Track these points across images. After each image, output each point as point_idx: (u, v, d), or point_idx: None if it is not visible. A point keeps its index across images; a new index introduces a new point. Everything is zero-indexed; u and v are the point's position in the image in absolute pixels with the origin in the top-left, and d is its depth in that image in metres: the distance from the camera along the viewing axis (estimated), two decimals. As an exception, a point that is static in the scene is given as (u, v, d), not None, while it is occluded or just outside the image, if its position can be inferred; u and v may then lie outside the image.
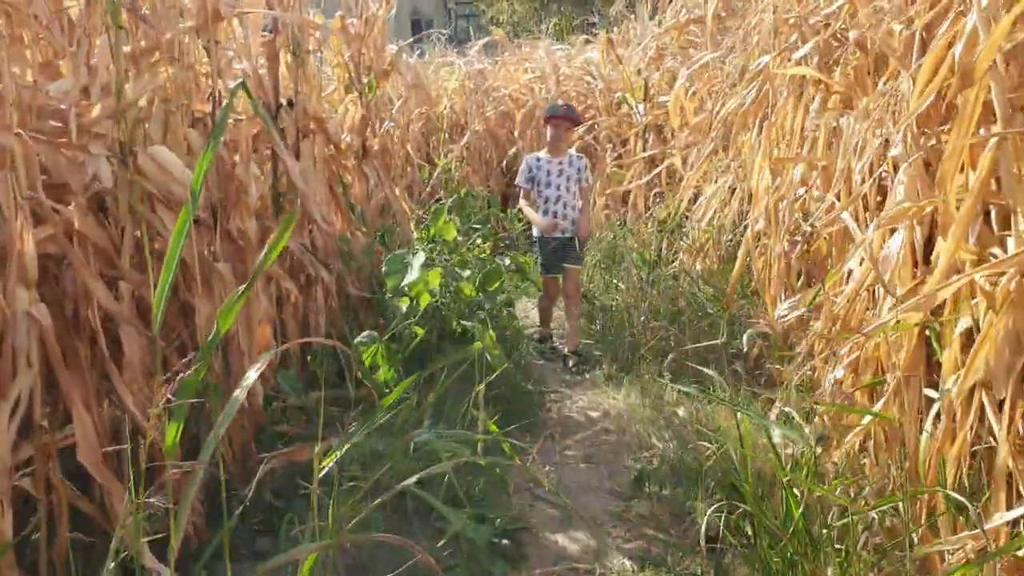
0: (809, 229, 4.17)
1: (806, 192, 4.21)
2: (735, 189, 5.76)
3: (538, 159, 5.61)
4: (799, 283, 4.43)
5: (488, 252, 4.73)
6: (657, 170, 7.36)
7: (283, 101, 4.79)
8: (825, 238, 4.13)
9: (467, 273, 3.65)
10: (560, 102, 5.89)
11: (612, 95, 8.68)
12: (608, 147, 8.51)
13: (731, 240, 5.81)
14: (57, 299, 2.64)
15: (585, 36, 10.03)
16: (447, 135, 10.43)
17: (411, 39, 11.37)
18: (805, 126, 4.71)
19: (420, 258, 3.44)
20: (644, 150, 7.73)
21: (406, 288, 3.43)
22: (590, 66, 9.13)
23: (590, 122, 8.87)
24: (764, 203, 4.65)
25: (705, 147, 6.15)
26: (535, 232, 5.57)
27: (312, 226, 4.88)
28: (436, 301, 3.53)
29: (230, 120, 4.03)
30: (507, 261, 5.02)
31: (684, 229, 6.34)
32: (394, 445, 2.87)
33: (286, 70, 5.07)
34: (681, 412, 4.57)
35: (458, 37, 13.13)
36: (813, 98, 4.23)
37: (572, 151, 5.67)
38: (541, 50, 9.82)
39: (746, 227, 5.76)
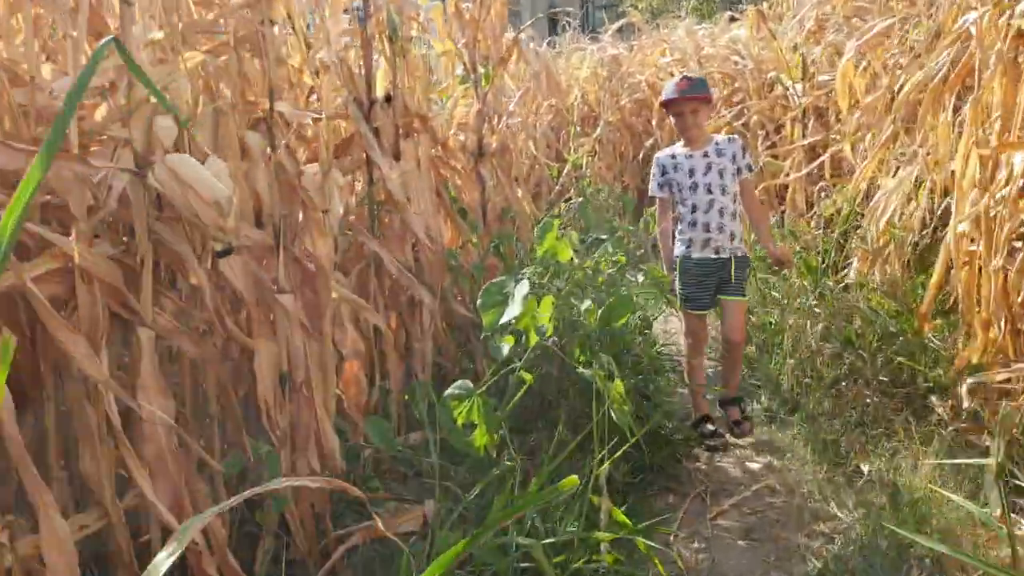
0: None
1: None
2: (922, 182, 4.71)
3: (673, 156, 4.19)
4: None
5: (618, 267, 3.92)
6: (820, 159, 6.32)
7: (377, 96, 4.14)
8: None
9: (586, 304, 2.85)
10: (678, 76, 4.22)
11: (763, 76, 7.66)
12: (760, 134, 7.49)
13: (918, 244, 4.77)
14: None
15: (730, 13, 9.01)
16: (578, 128, 9.65)
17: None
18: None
19: (524, 287, 2.69)
20: (803, 136, 6.70)
21: (509, 324, 2.69)
22: (737, 44, 8.12)
23: (739, 106, 7.87)
24: (971, 200, 3.64)
25: (882, 131, 5.11)
26: (677, 249, 4.18)
27: (416, 240, 4.23)
28: (549, 338, 2.78)
29: (307, 121, 3.41)
30: (640, 278, 4.15)
31: (858, 230, 5.32)
32: (486, 543, 2.14)
33: (385, 61, 4.44)
34: (866, 469, 3.63)
35: (593, 25, 12.29)
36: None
37: (720, 136, 4.23)
38: (680, 30, 8.87)
39: (936, 229, 4.71)
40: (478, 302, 2.76)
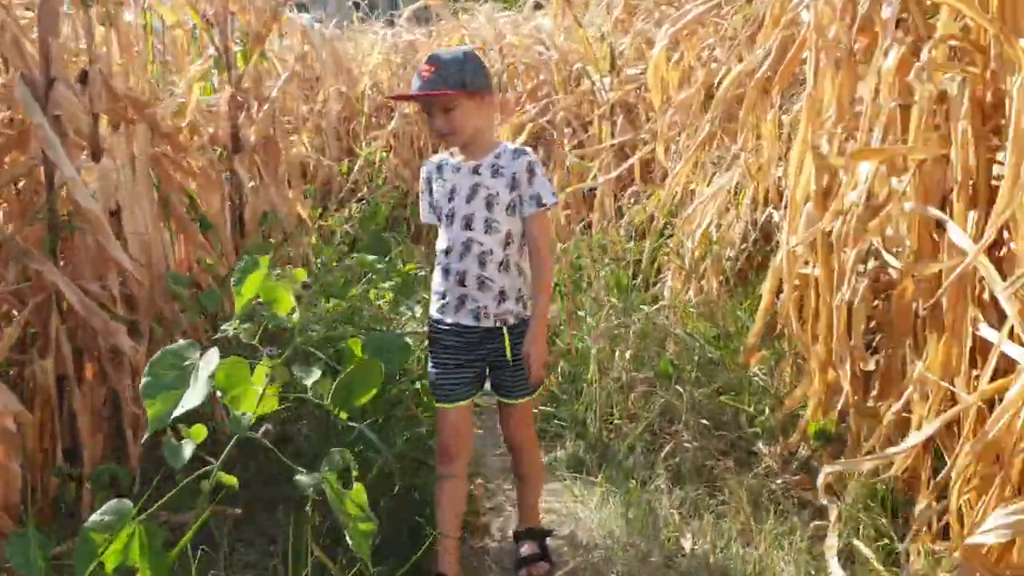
0: (897, 267, 2.56)
1: (886, 205, 2.60)
2: (743, 189, 4.16)
3: (440, 166, 2.80)
4: (873, 355, 2.84)
5: (390, 304, 3.05)
6: (629, 161, 5.73)
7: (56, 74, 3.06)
8: (918, 280, 2.55)
9: (314, 376, 1.93)
10: (433, 56, 2.70)
11: (570, 67, 7.03)
12: (567, 132, 6.85)
13: (738, 259, 4.21)
14: None
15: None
16: (372, 119, 8.71)
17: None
18: (859, 98, 3.13)
19: (211, 359, 1.77)
20: (612, 136, 6.10)
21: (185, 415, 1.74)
22: (541, 33, 7.46)
23: (544, 101, 7.21)
24: (805, 214, 3.04)
25: (697, 131, 4.53)
26: (431, 308, 2.82)
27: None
28: (261, 423, 1.88)
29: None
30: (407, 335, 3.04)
31: (670, 240, 4.73)
32: None
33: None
34: (687, 545, 2.97)
35: (390, 7, 11.34)
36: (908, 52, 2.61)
37: (507, 143, 2.79)
38: (481, 16, 8.12)
39: (757, 242, 4.17)
40: (141, 383, 1.80)
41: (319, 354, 2.01)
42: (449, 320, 2.73)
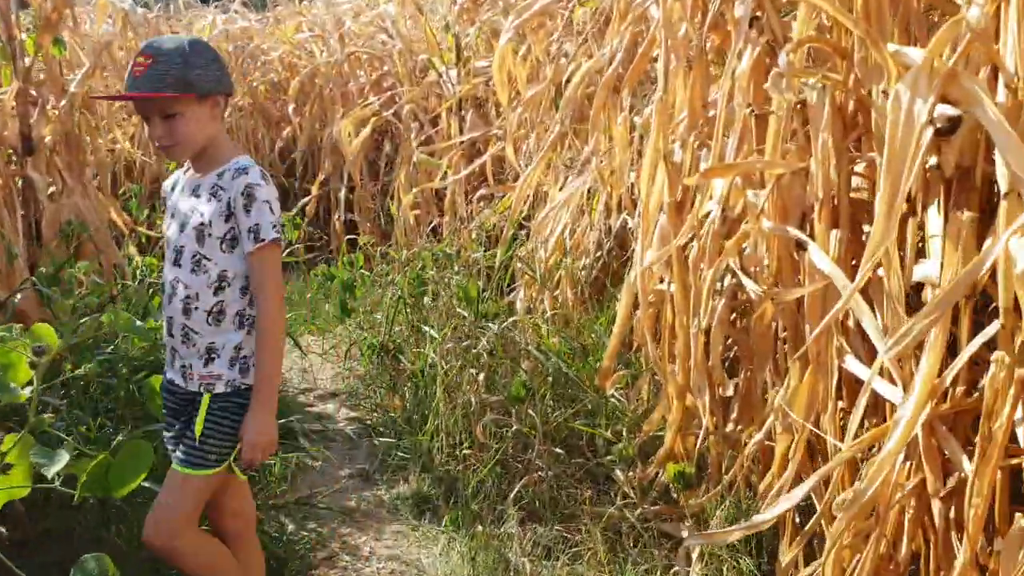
0: (756, 292, 2.34)
1: (743, 220, 2.38)
2: (596, 194, 3.91)
3: (175, 184, 2.24)
4: (732, 377, 2.63)
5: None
6: (480, 160, 5.42)
7: None
8: (776, 303, 2.35)
9: (59, 463, 1.46)
10: (149, 45, 2.05)
11: (415, 58, 6.64)
12: (414, 126, 6.48)
13: (593, 267, 3.97)
14: None
15: (378, -16, 7.94)
16: (205, 112, 8.04)
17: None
18: (713, 102, 2.92)
19: None
20: (461, 132, 5.77)
21: None
22: (385, 21, 7.05)
23: (389, 93, 6.80)
24: (659, 227, 2.81)
25: (548, 131, 4.27)
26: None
27: None
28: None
29: None
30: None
31: (521, 246, 4.45)
32: None
33: None
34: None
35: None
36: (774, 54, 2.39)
37: (241, 158, 2.14)
38: (319, 1, 7.63)
39: (612, 251, 3.94)
40: None
41: (62, 436, 1.58)
42: (168, 375, 2.22)
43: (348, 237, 6.80)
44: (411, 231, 6.39)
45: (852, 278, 2.06)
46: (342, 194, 6.94)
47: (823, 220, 2.15)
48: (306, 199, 7.22)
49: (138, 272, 5.17)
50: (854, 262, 2.19)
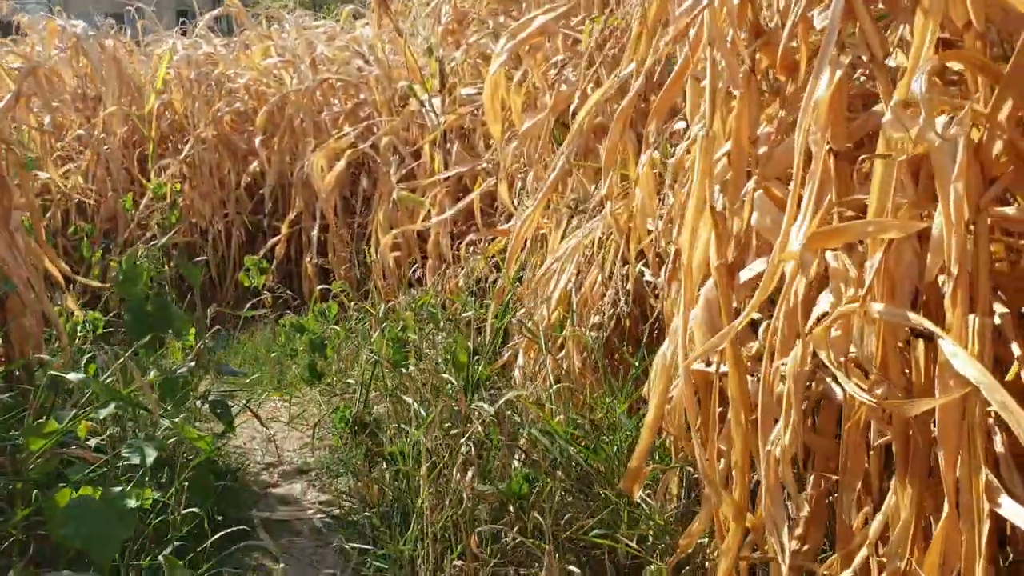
0: (865, 400, 1.72)
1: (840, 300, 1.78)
2: (608, 243, 3.31)
3: None
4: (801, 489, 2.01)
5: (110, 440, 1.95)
6: (467, 198, 4.82)
7: None
8: (888, 414, 1.74)
9: None
10: None
11: (394, 86, 6.05)
12: (394, 160, 5.87)
13: (605, 330, 3.35)
14: None
15: (353, 6, 7.34)
16: (167, 144, 7.40)
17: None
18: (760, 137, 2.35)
19: None
20: (446, 166, 5.17)
21: None
22: (361, 46, 6.46)
23: (365, 123, 6.20)
24: (706, 294, 2.20)
25: (548, 168, 3.68)
26: None
27: None
28: None
29: None
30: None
31: (519, 298, 3.84)
32: None
33: None
34: None
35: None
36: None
37: None
38: (288, 23, 7.03)
39: (633, 309, 3.33)
40: None
41: None
42: None
43: (321, 286, 6.18)
44: (391, 275, 5.78)
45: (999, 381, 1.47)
46: (314, 234, 6.31)
47: (958, 303, 1.55)
48: (275, 239, 6.59)
49: (78, 330, 4.52)
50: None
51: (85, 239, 6.75)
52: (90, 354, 3.69)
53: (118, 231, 7.04)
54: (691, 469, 2.75)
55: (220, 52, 7.20)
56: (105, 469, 2.19)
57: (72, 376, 2.41)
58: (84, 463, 2.24)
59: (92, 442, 2.27)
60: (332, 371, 4.67)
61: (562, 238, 3.47)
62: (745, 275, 2.25)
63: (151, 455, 2.26)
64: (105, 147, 7.11)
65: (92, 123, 7.12)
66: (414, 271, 5.75)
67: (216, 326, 6.75)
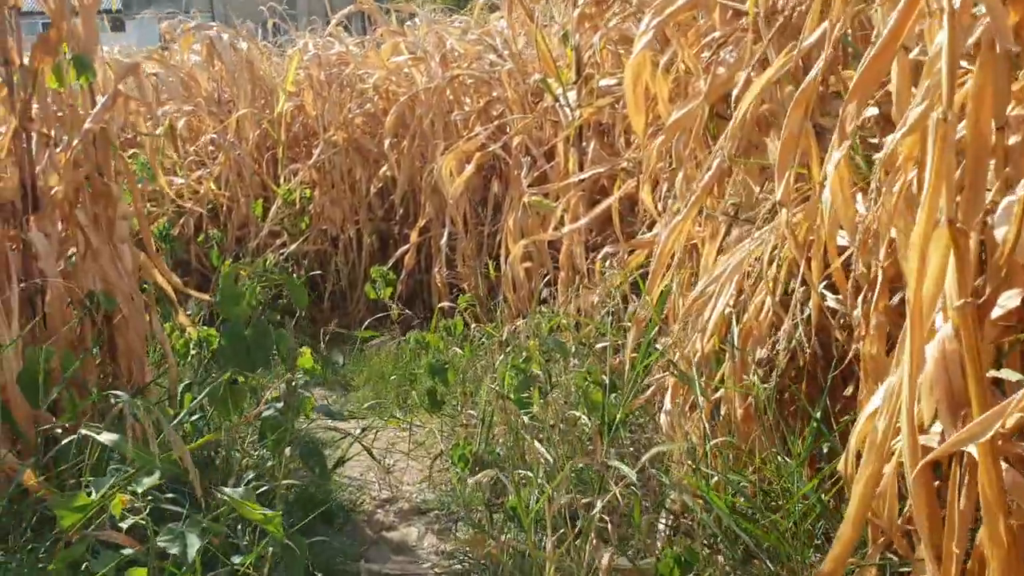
0: None
1: None
2: (778, 260, 2.66)
3: None
4: None
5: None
6: (605, 204, 4.24)
7: None
8: None
9: None
10: None
11: (528, 81, 5.55)
12: (525, 161, 5.37)
13: (774, 368, 2.70)
14: None
15: (489, -1, 6.90)
16: (300, 147, 7.19)
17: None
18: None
19: None
20: (580, 167, 4.62)
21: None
22: (494, 39, 5.99)
23: (496, 122, 5.73)
24: (938, 349, 1.55)
25: (701, 167, 3.07)
26: None
27: None
28: None
29: None
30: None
31: (664, 323, 3.24)
32: None
33: None
34: None
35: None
36: None
37: None
38: (419, 19, 6.65)
39: (817, 344, 2.66)
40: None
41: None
42: None
43: (448, 302, 5.76)
44: (521, 288, 5.27)
45: None
46: (443, 243, 5.89)
47: None
48: (404, 248, 6.21)
49: (189, 349, 4.25)
50: None
51: (215, 247, 6.61)
52: (187, 382, 3.37)
53: (248, 237, 6.87)
54: (894, 557, 2.09)
55: (352, 51, 6.91)
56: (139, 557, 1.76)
57: (105, 438, 2.00)
58: (116, 548, 1.81)
59: (127, 522, 1.84)
60: (456, 394, 4.22)
61: (719, 252, 2.85)
62: (995, 312, 1.59)
63: (194, 545, 1.79)
64: (237, 152, 6.97)
65: (225, 127, 6.99)
66: (546, 282, 5.23)
67: (342, 338, 6.48)
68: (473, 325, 4.74)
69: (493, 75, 5.72)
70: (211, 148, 7.25)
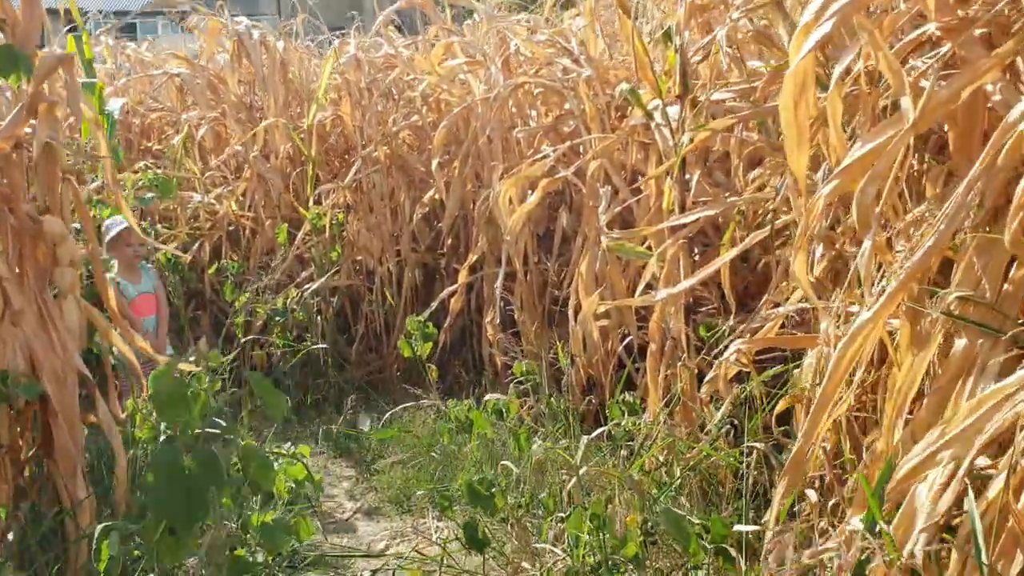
0: None
1: None
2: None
3: None
4: None
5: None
6: (713, 265, 3.13)
7: None
8: None
9: None
10: None
11: (610, 92, 4.47)
12: (604, 193, 4.26)
13: None
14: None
15: (562, -4, 5.81)
16: (337, 165, 6.19)
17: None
18: None
19: None
20: (681, 207, 3.50)
21: None
22: (569, 41, 4.90)
23: (570, 143, 4.64)
24: None
25: (905, 226, 1.94)
26: None
27: None
28: None
29: None
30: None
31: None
32: None
33: None
34: None
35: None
36: None
37: None
38: (478, 16, 5.59)
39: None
40: None
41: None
42: None
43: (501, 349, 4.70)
44: (594, 350, 4.18)
45: None
46: (497, 285, 4.82)
47: None
48: (451, 288, 5.17)
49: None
50: None
51: (229, 278, 5.64)
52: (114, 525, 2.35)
53: (277, 268, 5.90)
54: None
55: (401, 53, 5.89)
56: None
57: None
58: None
59: None
60: (508, 509, 3.13)
61: (973, 382, 1.72)
62: None
63: None
64: (266, 167, 6.02)
65: (253, 136, 6.04)
66: (625, 345, 4.14)
67: (376, 387, 5.46)
68: (532, 405, 3.67)
69: (566, 84, 4.63)
70: (236, 161, 6.33)
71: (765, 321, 2.99)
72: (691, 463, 2.71)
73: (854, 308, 2.34)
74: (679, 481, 2.55)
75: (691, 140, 3.13)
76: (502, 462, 3.15)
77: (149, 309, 4.60)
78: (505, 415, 3.68)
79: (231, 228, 6.02)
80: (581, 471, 2.67)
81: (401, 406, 4.44)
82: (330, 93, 6.23)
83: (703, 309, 3.85)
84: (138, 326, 4.31)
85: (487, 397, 3.74)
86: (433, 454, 3.99)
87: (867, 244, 2.03)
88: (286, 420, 4.98)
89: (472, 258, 5.09)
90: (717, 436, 2.71)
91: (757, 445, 2.57)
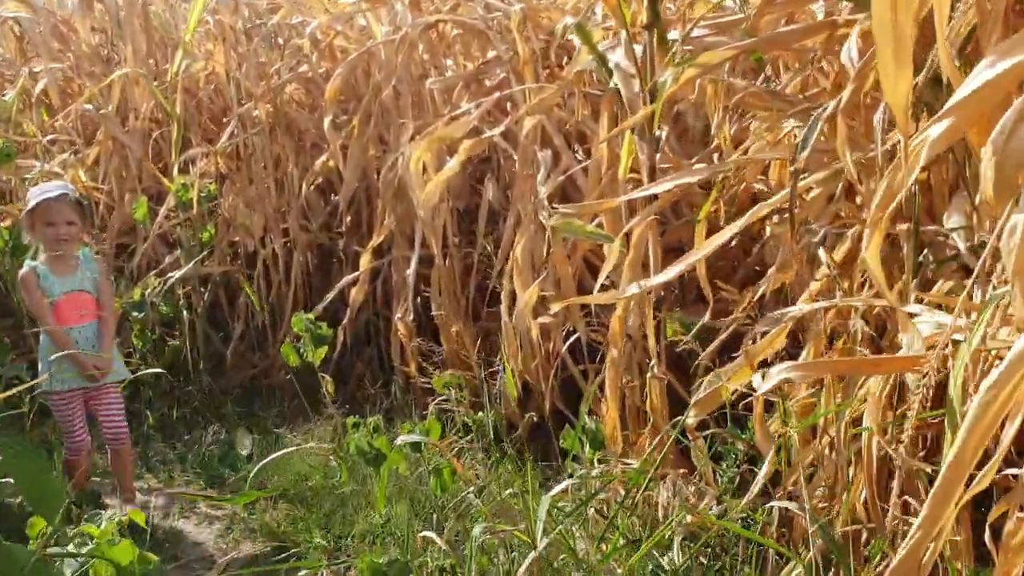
0: None
1: None
2: None
3: None
4: None
5: None
6: (690, 258, 2.35)
7: None
8: None
9: None
10: None
11: (546, 31, 3.64)
12: (542, 157, 3.43)
13: None
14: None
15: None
16: (205, 125, 5.16)
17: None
18: None
19: None
20: (652, 174, 2.70)
21: None
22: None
23: (494, 95, 3.78)
24: None
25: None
26: None
27: None
28: None
29: None
30: None
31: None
32: None
33: None
34: None
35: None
36: None
37: None
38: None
39: None
40: None
41: None
42: None
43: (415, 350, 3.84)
44: (533, 353, 3.37)
45: None
46: (410, 272, 3.95)
47: None
48: (351, 277, 4.26)
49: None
50: None
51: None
52: None
53: (136, 248, 4.87)
54: None
55: (286, -7, 4.89)
56: None
57: None
58: None
59: None
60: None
61: None
62: None
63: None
64: (123, 129, 4.98)
65: (107, 89, 4.97)
66: (569, 346, 3.34)
67: (261, 396, 4.58)
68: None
69: (491, 23, 3.76)
70: (93, 125, 5.25)
71: (773, 323, 2.22)
72: (689, 528, 1.92)
73: (945, 317, 1.60)
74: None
75: (675, 80, 2.32)
76: (422, 533, 2.29)
77: (79, 315, 3.27)
78: (423, 446, 2.83)
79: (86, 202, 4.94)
80: (540, 547, 1.85)
81: (289, 425, 3.54)
82: (205, 43, 5.21)
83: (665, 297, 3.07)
84: (60, 338, 3.17)
85: (400, 423, 2.87)
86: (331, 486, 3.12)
87: (1018, 220, 1.26)
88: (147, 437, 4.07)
89: (377, 239, 4.17)
90: (724, 491, 1.94)
91: (789, 506, 1.81)
